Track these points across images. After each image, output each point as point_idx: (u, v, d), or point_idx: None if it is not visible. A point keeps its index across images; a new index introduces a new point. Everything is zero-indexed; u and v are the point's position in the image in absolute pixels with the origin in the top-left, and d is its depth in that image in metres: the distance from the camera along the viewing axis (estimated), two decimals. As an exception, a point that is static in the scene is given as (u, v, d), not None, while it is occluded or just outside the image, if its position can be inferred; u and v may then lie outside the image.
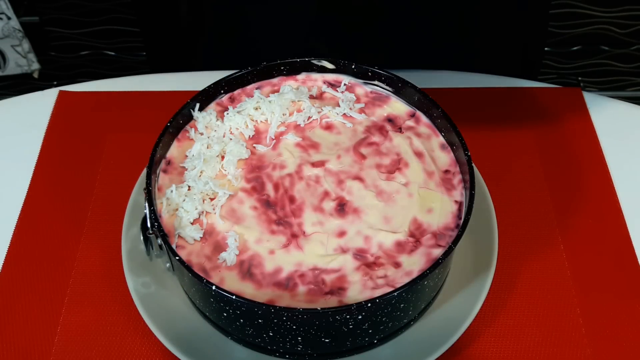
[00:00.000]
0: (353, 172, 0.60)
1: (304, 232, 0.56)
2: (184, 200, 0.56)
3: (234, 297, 0.49)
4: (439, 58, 0.86)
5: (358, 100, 0.65)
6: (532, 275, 0.64)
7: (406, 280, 0.51)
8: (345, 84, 0.66)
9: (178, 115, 0.61)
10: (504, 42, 0.89)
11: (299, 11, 0.82)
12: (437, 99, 0.62)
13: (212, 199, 0.58)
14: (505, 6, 0.84)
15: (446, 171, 0.60)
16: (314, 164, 0.60)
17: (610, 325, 0.61)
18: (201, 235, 0.55)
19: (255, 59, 0.66)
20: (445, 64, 0.84)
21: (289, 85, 0.65)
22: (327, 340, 0.54)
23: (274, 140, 0.62)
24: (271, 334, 0.53)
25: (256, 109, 0.63)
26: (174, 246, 0.55)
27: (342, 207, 0.57)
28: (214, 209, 0.57)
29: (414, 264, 0.54)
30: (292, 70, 0.66)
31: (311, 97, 0.65)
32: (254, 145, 0.62)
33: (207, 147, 0.60)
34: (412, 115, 0.64)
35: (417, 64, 0.82)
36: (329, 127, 0.63)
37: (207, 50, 0.90)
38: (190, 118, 0.63)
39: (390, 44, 0.86)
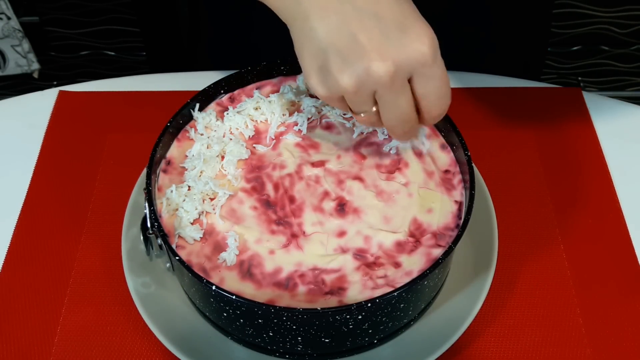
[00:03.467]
0: (353, 172, 0.59)
1: (304, 232, 0.56)
2: (184, 200, 0.56)
3: (234, 297, 0.49)
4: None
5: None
6: (532, 275, 0.64)
7: (406, 280, 0.51)
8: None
9: (178, 115, 0.61)
10: (506, 42, 0.88)
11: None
12: (437, 99, 0.62)
13: (212, 199, 0.58)
14: (507, 6, 0.84)
15: (446, 171, 0.60)
16: (314, 164, 0.60)
17: (610, 325, 0.61)
18: (201, 235, 0.55)
19: (255, 59, 0.66)
20: (446, 64, 0.84)
21: (289, 85, 0.65)
22: (327, 340, 0.54)
23: (274, 140, 0.62)
24: (271, 334, 0.53)
25: (256, 109, 0.63)
26: (174, 246, 0.55)
27: (342, 207, 0.57)
28: (214, 209, 0.57)
29: (414, 264, 0.54)
30: (292, 70, 0.66)
31: (311, 96, 0.65)
32: (254, 145, 0.62)
33: (207, 147, 0.60)
34: (412, 115, 0.64)
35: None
36: (329, 127, 0.63)
37: (207, 50, 0.90)
38: (190, 118, 0.63)
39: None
